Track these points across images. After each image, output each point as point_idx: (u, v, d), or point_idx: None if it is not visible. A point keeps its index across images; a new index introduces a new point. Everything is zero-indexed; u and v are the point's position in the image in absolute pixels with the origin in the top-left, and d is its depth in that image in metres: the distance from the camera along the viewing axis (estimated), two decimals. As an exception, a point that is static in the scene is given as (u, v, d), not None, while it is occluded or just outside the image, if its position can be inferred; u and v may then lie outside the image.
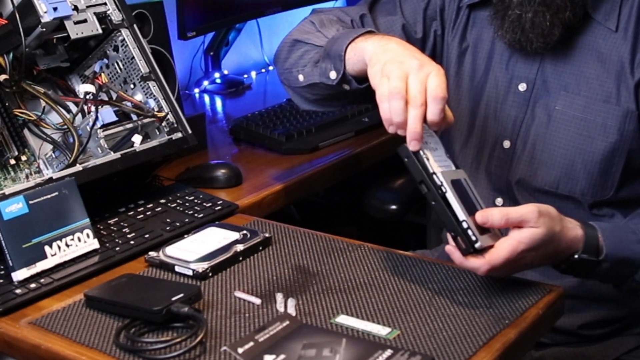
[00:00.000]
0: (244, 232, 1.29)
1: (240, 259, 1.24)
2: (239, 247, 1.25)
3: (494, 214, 1.09)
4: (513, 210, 1.10)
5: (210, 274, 1.19)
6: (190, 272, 1.19)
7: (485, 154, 1.42)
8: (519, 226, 1.10)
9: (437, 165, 1.12)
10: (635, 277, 1.23)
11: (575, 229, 1.17)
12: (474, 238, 1.07)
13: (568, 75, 1.34)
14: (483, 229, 1.10)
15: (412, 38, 1.48)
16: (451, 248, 1.10)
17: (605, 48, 1.31)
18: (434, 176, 1.09)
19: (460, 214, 1.08)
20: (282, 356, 0.97)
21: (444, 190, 1.08)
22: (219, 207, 1.43)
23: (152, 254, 1.25)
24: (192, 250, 1.24)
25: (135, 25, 1.46)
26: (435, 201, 1.09)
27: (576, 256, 1.17)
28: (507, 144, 1.39)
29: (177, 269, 1.21)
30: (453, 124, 1.44)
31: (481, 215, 1.09)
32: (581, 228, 1.17)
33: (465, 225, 1.07)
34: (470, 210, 1.10)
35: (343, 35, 1.32)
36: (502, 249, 1.08)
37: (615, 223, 1.27)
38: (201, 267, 1.19)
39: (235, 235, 1.28)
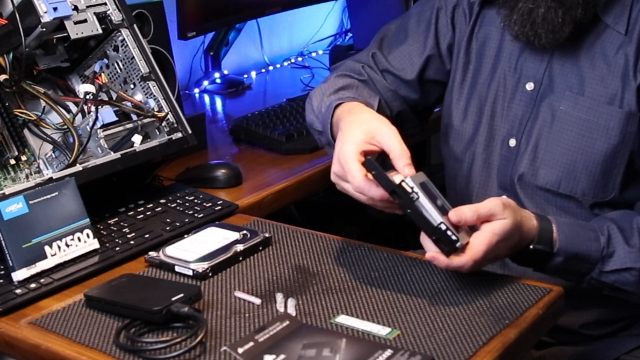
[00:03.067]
0: (244, 232, 1.29)
1: (240, 259, 1.24)
2: (239, 247, 1.25)
3: (465, 212, 1.12)
4: (481, 206, 1.14)
5: (210, 274, 1.19)
6: (190, 272, 1.19)
7: (492, 151, 1.42)
8: (488, 220, 1.13)
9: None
10: (593, 275, 1.24)
11: (531, 219, 1.20)
12: (454, 238, 1.10)
13: (574, 76, 1.33)
14: (455, 227, 1.12)
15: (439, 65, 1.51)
16: (434, 254, 1.11)
17: (612, 50, 1.31)
18: (404, 183, 1.10)
19: (437, 216, 1.10)
20: (282, 356, 0.97)
21: (416, 196, 1.10)
22: (219, 207, 1.43)
23: (152, 254, 1.25)
24: (192, 250, 1.24)
25: (135, 25, 1.46)
26: (410, 208, 1.11)
27: (531, 247, 1.20)
28: (512, 142, 1.39)
29: (177, 269, 1.21)
30: (458, 122, 1.46)
31: (455, 214, 1.12)
32: (536, 219, 1.21)
33: (443, 227, 1.10)
34: (442, 210, 1.12)
35: (325, 123, 1.38)
36: (480, 243, 1.12)
37: (577, 220, 1.28)
38: (201, 267, 1.19)
39: (235, 235, 1.28)
